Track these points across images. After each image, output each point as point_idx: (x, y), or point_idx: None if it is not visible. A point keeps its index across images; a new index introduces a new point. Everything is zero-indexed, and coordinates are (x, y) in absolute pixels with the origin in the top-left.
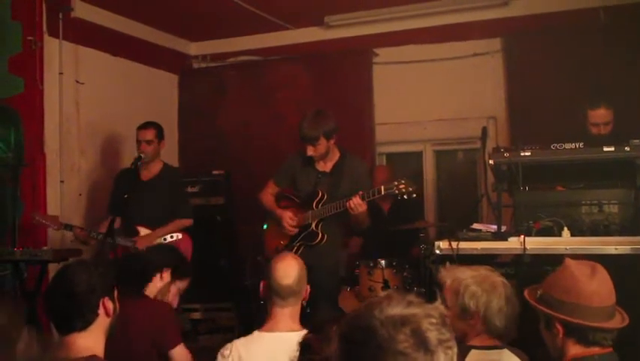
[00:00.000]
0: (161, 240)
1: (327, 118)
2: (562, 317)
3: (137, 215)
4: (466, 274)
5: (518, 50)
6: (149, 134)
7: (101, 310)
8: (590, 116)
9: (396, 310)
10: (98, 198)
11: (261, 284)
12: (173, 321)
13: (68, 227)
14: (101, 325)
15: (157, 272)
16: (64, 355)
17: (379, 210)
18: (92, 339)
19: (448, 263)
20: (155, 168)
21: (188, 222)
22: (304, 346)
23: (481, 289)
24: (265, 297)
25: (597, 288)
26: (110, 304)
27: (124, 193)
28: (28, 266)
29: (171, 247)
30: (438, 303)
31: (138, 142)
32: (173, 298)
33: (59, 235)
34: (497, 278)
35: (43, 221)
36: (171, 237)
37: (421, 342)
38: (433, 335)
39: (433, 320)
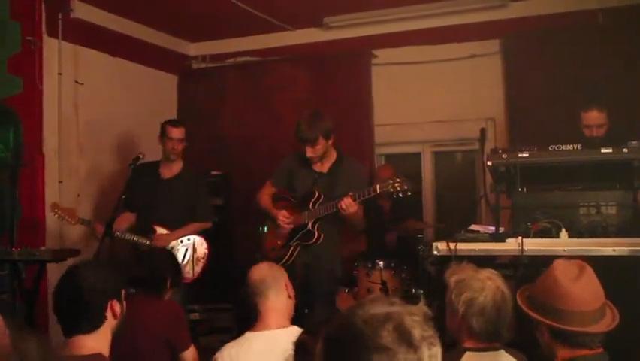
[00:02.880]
0: (178, 242)
1: (324, 118)
2: (546, 321)
3: (154, 213)
4: (464, 273)
5: (517, 52)
6: (182, 133)
7: (108, 313)
8: (583, 118)
9: (378, 309)
10: (97, 198)
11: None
12: (186, 323)
13: (86, 222)
14: (108, 327)
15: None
16: (70, 354)
17: (379, 208)
18: (98, 340)
19: (465, 261)
20: (177, 167)
21: (207, 225)
22: (299, 346)
23: (467, 287)
24: (249, 305)
25: (580, 293)
26: (117, 307)
27: (143, 189)
28: (26, 266)
29: (171, 257)
30: (421, 304)
31: (169, 138)
32: None
33: (58, 235)
34: (492, 282)
35: (60, 213)
36: (188, 239)
37: (405, 337)
38: (416, 331)
39: (416, 318)
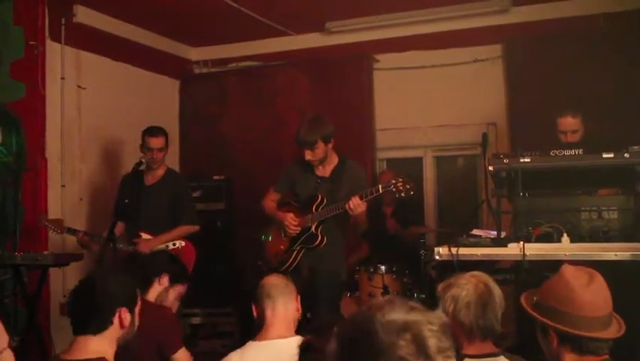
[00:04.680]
0: (164, 246)
1: (324, 123)
2: (556, 325)
3: (139, 219)
4: (451, 279)
5: (519, 57)
6: (161, 142)
7: (115, 320)
8: (558, 124)
9: (397, 315)
10: (99, 202)
11: (253, 307)
12: (176, 325)
13: (71, 231)
14: (113, 333)
15: (155, 277)
16: (72, 354)
17: (382, 214)
18: (102, 344)
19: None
20: (159, 172)
21: (193, 228)
22: (305, 347)
23: (452, 286)
24: (257, 312)
25: (592, 298)
26: (127, 316)
27: (127, 198)
28: (28, 270)
29: (168, 254)
30: (439, 311)
31: (149, 149)
32: (172, 302)
33: (60, 239)
34: (476, 278)
35: (48, 224)
36: (174, 244)
37: (422, 349)
38: (433, 343)
39: (434, 328)
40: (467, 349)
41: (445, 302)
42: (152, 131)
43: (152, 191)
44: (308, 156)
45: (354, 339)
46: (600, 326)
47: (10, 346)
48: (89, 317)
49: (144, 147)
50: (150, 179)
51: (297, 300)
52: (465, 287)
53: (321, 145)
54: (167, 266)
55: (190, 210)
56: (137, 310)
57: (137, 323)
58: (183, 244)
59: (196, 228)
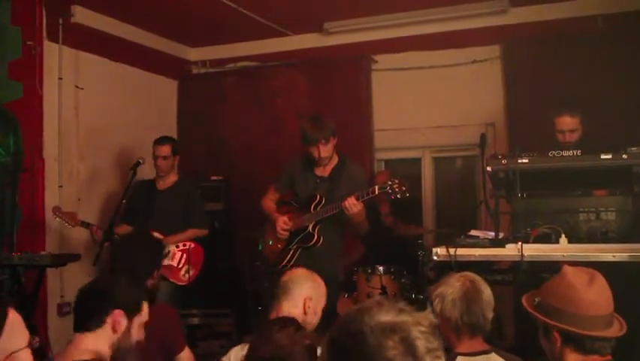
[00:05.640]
0: (174, 246)
1: (327, 119)
2: (560, 325)
3: (150, 223)
4: (443, 280)
5: (517, 57)
6: (165, 150)
7: (109, 319)
8: (556, 123)
9: (386, 317)
10: (97, 203)
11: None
12: (180, 325)
13: (85, 224)
14: (106, 334)
15: (150, 279)
16: (65, 356)
17: (378, 215)
18: (97, 343)
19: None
20: (171, 179)
21: (202, 232)
22: (249, 346)
23: (441, 285)
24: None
25: (595, 297)
26: (121, 320)
27: (140, 202)
28: (25, 270)
29: (153, 250)
30: (428, 312)
31: (155, 157)
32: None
33: (58, 240)
34: (464, 278)
35: (62, 216)
36: (184, 245)
37: (410, 350)
38: (421, 344)
39: (423, 329)
40: (459, 347)
41: (433, 300)
42: (158, 139)
43: (164, 195)
44: (324, 152)
45: (343, 342)
46: (603, 325)
47: (30, 346)
48: (84, 315)
49: (153, 154)
50: (162, 184)
51: (305, 303)
52: (452, 285)
53: (332, 139)
54: (157, 264)
55: (200, 214)
56: (137, 321)
57: (137, 336)
58: (193, 245)
59: (205, 232)
